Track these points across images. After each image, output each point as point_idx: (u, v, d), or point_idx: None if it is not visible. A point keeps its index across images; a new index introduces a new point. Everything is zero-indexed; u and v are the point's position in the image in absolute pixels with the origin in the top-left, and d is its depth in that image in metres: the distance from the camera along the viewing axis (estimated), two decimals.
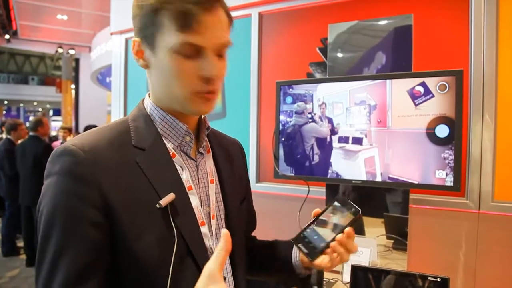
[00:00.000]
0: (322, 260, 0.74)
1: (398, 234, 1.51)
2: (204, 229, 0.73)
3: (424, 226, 1.62)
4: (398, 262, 1.50)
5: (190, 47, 0.65)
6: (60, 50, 11.86)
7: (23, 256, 4.45)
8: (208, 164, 0.80)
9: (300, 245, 0.76)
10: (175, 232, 0.66)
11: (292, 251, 0.88)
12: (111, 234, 0.63)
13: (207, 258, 0.71)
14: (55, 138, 6.18)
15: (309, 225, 0.78)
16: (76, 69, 13.37)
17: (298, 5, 2.01)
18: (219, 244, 0.61)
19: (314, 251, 0.74)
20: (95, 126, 5.30)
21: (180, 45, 0.65)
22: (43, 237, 0.61)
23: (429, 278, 1.09)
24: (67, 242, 0.60)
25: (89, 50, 9.55)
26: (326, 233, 0.74)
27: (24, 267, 4.25)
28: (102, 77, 9.39)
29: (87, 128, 5.08)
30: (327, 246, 0.73)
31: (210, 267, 0.58)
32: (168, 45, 0.66)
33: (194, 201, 0.73)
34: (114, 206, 0.62)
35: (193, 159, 0.77)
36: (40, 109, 22.65)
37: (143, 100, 0.79)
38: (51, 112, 22.26)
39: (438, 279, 1.08)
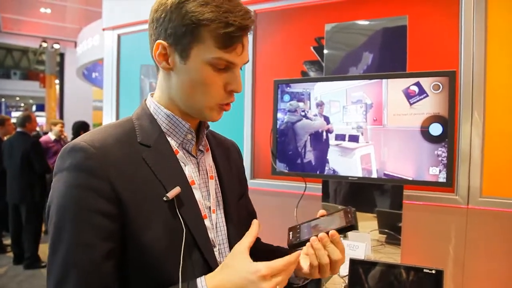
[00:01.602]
0: (297, 256, 0.70)
1: (391, 229, 1.56)
2: (206, 222, 0.76)
3: (416, 221, 1.67)
4: (390, 256, 1.55)
5: (224, 63, 0.70)
6: (45, 45, 11.53)
7: (10, 254, 4.36)
8: (208, 161, 0.84)
9: (291, 232, 0.81)
10: (182, 223, 0.69)
11: None
12: (121, 226, 0.65)
13: (211, 250, 0.75)
14: (45, 132, 5.99)
15: (310, 221, 0.81)
16: (61, 64, 13.05)
17: (293, 4, 2.03)
18: (249, 229, 0.70)
19: (295, 241, 0.77)
20: (84, 123, 5.21)
21: (217, 59, 0.69)
22: (55, 230, 0.62)
23: (424, 270, 1.14)
24: (81, 233, 0.61)
25: (75, 45, 9.34)
26: (316, 231, 0.76)
27: (11, 265, 4.17)
28: (88, 72, 9.22)
29: (76, 124, 4.99)
30: (308, 240, 0.75)
31: (236, 247, 0.68)
32: (203, 58, 0.69)
33: (197, 195, 0.76)
34: (123, 198, 0.65)
35: (194, 156, 0.81)
36: (22, 104, 22.05)
37: (145, 100, 0.82)
38: (34, 108, 21.70)
39: (433, 271, 1.13)
